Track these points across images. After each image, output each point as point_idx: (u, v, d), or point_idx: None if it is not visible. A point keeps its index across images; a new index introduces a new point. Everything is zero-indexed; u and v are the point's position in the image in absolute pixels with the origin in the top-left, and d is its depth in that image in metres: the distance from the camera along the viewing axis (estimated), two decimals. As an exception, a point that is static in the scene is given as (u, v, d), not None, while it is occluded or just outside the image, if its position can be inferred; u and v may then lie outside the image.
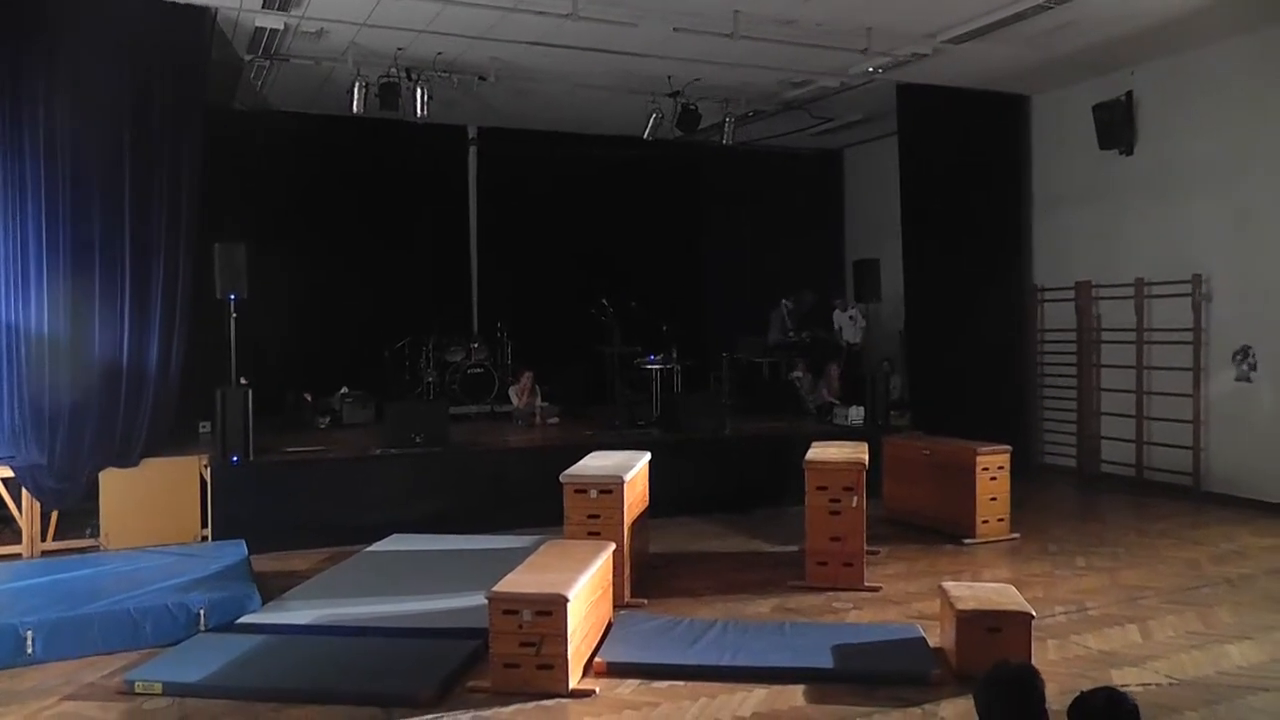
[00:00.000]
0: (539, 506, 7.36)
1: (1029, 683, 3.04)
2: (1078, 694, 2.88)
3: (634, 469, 6.62)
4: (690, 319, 12.86)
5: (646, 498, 7.07)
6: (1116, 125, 10.12)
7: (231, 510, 7.62)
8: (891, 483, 8.68)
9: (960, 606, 4.95)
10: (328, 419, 10.56)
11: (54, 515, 7.66)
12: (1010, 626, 4.85)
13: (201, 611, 5.64)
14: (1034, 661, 4.55)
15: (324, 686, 4.82)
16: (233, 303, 8.24)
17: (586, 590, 5.04)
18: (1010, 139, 11.34)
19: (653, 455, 7.21)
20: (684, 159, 13.31)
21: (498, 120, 12.22)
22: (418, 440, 8.51)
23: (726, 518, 8.75)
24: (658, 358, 10.81)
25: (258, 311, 8.76)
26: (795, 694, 4.73)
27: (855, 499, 6.56)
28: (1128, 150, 10.14)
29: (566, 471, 6.40)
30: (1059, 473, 10.83)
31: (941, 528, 8.01)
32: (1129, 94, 10.06)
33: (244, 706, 4.64)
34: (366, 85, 9.42)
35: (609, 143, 12.71)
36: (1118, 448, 10.38)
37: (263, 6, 7.98)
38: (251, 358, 8.64)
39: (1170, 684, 4.81)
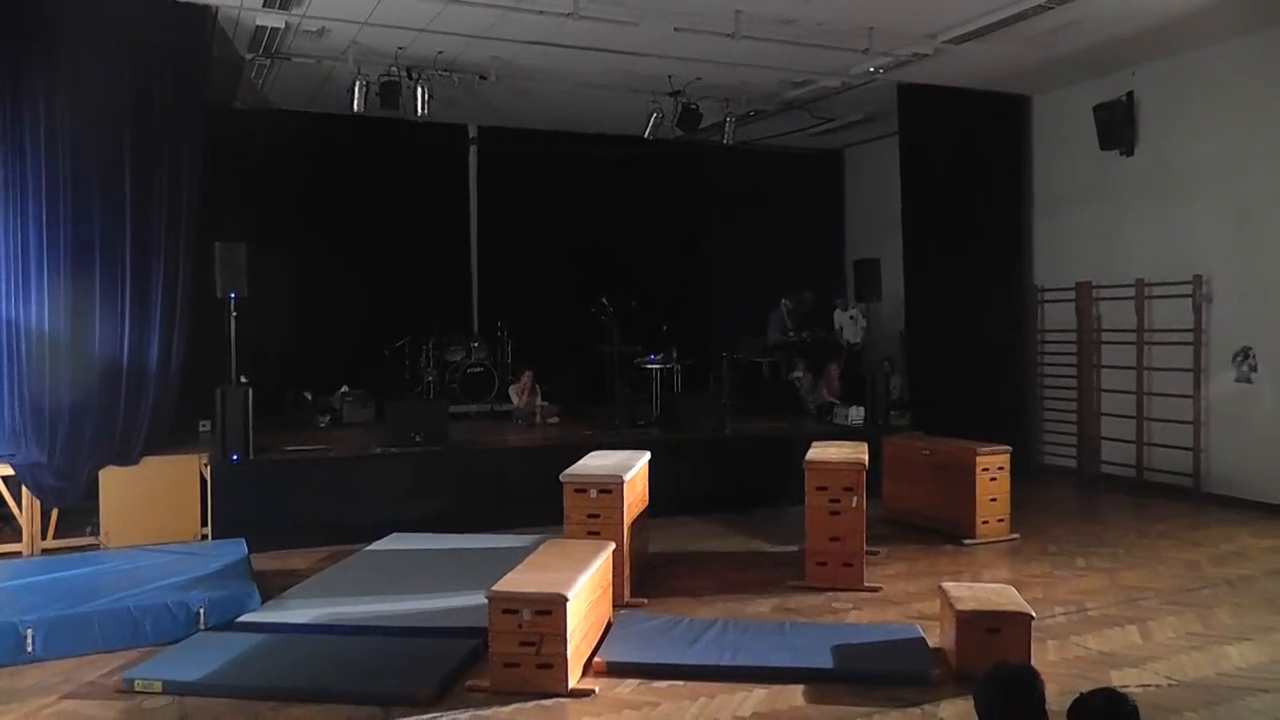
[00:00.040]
0: (539, 506, 7.35)
1: (1028, 683, 3.04)
2: (1077, 695, 2.88)
3: (634, 469, 6.62)
4: (690, 319, 12.87)
5: (646, 497, 7.07)
6: (1117, 125, 10.12)
7: (231, 509, 7.62)
8: (891, 483, 8.68)
9: (960, 607, 4.95)
10: (328, 418, 10.56)
11: (54, 513, 7.65)
12: (1010, 627, 4.85)
13: (201, 610, 5.64)
14: (1033, 662, 4.55)
15: (323, 685, 4.82)
16: (233, 302, 8.25)
17: (586, 590, 5.04)
18: (1011, 139, 11.34)
19: (653, 455, 7.21)
20: (684, 158, 13.31)
21: (498, 119, 12.22)
22: (418, 439, 8.51)
23: (726, 518, 8.75)
24: (658, 357, 10.82)
25: (258, 311, 8.77)
26: (795, 694, 4.73)
27: (855, 499, 6.56)
28: (1128, 150, 10.14)
29: (566, 471, 6.40)
30: (1059, 473, 10.83)
31: (941, 528, 8.01)
32: (1130, 94, 10.06)
33: (244, 705, 4.64)
34: (367, 84, 9.42)
35: (609, 142, 12.71)
36: (1118, 448, 10.38)
37: (264, 5, 7.98)
38: (251, 357, 8.65)
39: (1170, 685, 4.81)
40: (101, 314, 7.56)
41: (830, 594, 6.42)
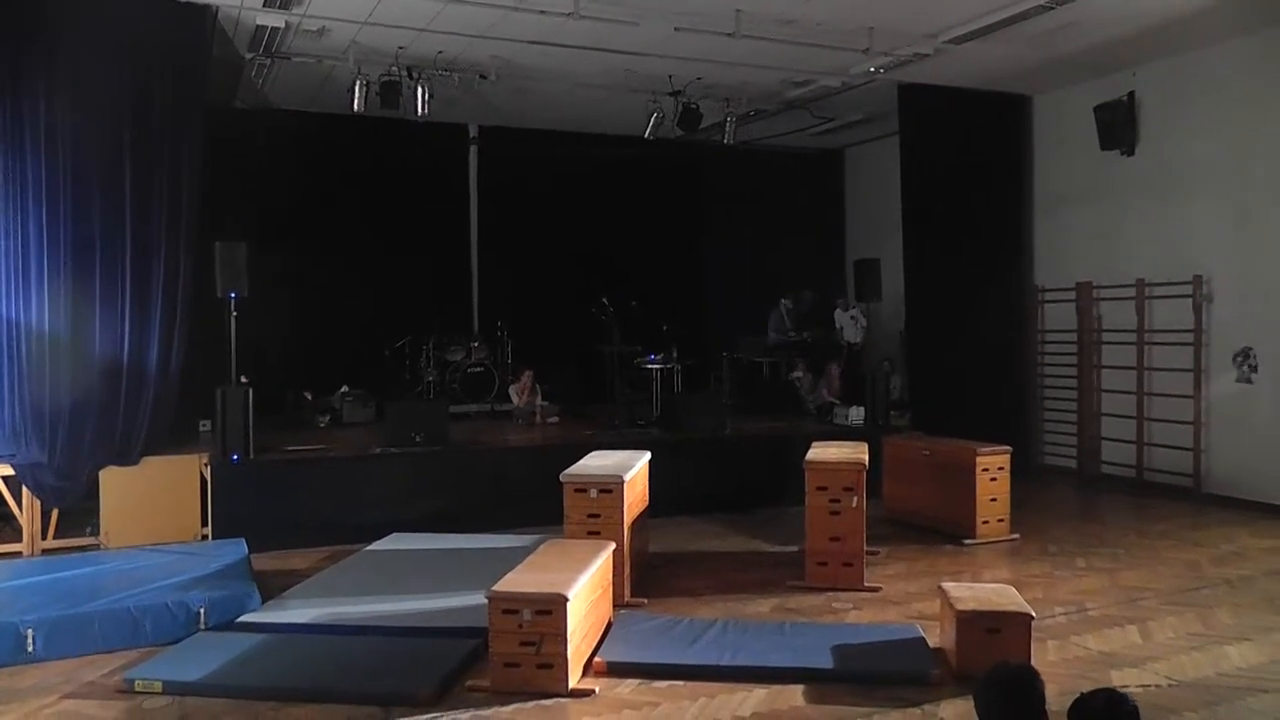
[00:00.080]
0: (539, 506, 7.35)
1: (1028, 683, 3.03)
2: (1078, 695, 2.88)
3: (634, 469, 6.62)
4: (690, 318, 12.87)
5: (646, 497, 7.07)
6: (1118, 126, 10.12)
7: (231, 509, 7.62)
8: (891, 483, 8.68)
9: (960, 607, 4.95)
10: (328, 418, 10.56)
11: (54, 513, 7.66)
12: (1010, 627, 4.85)
13: (201, 610, 5.65)
14: (1034, 662, 4.55)
15: (323, 685, 4.82)
16: (233, 301, 8.25)
17: (586, 590, 5.04)
18: (1011, 139, 11.34)
19: (653, 455, 7.21)
20: (685, 158, 13.31)
21: (499, 119, 12.22)
22: (418, 439, 8.51)
23: (726, 518, 8.75)
24: (658, 357, 10.82)
25: (258, 310, 8.77)
26: (795, 694, 4.73)
27: (855, 499, 6.56)
28: (1129, 151, 10.14)
29: (566, 471, 6.40)
30: (1059, 473, 10.83)
31: (941, 528, 8.01)
32: (1130, 94, 10.06)
33: (244, 705, 4.64)
34: (367, 84, 9.42)
35: (610, 142, 12.71)
36: (1118, 449, 10.38)
37: (264, 5, 7.98)
38: (251, 357, 8.64)
39: (1170, 685, 4.81)
40: (101, 314, 7.56)
41: (830, 594, 6.42)
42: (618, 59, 9.57)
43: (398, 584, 6.44)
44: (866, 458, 6.75)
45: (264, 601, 5.95)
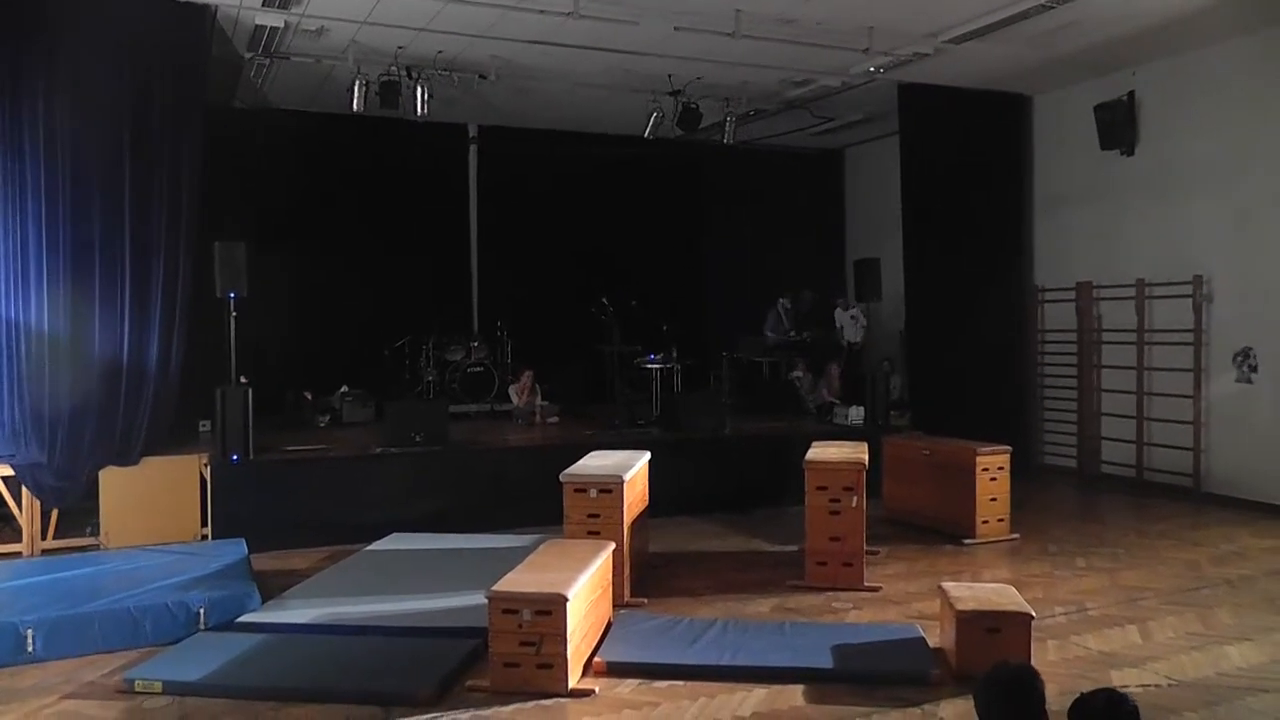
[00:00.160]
0: (539, 506, 7.35)
1: (1028, 683, 3.03)
2: (1078, 695, 2.88)
3: (634, 468, 6.62)
4: (690, 318, 12.87)
5: (646, 497, 7.07)
6: (1118, 125, 10.11)
7: (231, 509, 7.62)
8: (891, 483, 8.68)
9: (960, 607, 4.95)
10: (327, 418, 10.56)
11: (54, 514, 7.65)
12: (1010, 627, 4.85)
13: (201, 610, 5.65)
14: (1034, 662, 4.55)
15: (323, 685, 4.82)
16: (233, 302, 8.25)
17: (586, 590, 5.04)
18: (1011, 139, 11.34)
19: (653, 455, 7.21)
20: (685, 158, 13.31)
21: (498, 119, 12.22)
22: (418, 439, 8.51)
23: (726, 518, 8.75)
24: (658, 357, 10.82)
25: (258, 311, 8.77)
26: (795, 694, 4.73)
27: (855, 499, 6.56)
28: (1129, 150, 10.14)
29: (566, 471, 6.40)
30: (1059, 473, 10.82)
31: (941, 528, 8.01)
32: (1131, 94, 10.06)
33: (244, 705, 4.64)
34: (367, 83, 9.41)
35: (609, 141, 12.71)
36: (1118, 448, 10.38)
37: (263, 4, 7.98)
38: (251, 357, 8.65)
39: (1170, 685, 4.81)
40: (101, 314, 7.55)
41: (830, 594, 6.42)
42: (618, 59, 9.56)
43: (398, 584, 6.44)
44: (866, 457, 6.74)
45: (264, 601, 5.95)
